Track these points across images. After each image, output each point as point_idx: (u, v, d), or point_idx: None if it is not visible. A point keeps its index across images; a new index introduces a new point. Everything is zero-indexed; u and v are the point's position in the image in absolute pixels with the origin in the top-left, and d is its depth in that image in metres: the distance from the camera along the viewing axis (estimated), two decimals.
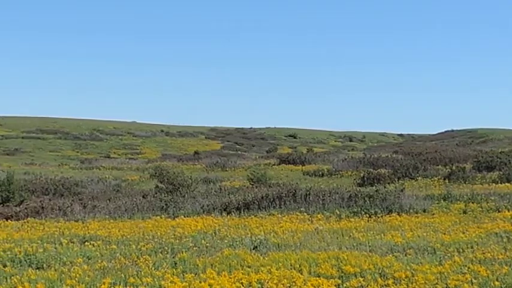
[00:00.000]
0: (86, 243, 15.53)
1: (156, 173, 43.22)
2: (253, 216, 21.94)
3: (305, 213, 21.94)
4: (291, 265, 11.76)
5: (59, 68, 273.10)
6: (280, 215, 21.92)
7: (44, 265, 12.66)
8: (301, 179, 41.32)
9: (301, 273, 10.94)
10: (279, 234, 16.67)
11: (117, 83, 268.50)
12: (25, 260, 13.12)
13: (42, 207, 26.05)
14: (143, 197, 30.04)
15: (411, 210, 22.08)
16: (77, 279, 10.67)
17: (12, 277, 10.91)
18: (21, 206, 27.47)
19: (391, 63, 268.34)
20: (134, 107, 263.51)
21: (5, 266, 12.34)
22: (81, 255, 13.63)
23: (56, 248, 14.65)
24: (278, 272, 10.85)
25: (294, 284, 10.12)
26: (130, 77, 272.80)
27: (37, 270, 11.94)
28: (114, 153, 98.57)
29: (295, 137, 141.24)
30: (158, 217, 22.37)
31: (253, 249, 14.28)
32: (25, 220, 22.43)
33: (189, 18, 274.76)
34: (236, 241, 15.53)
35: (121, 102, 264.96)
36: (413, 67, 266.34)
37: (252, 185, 35.65)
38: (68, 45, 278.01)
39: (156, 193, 31.25)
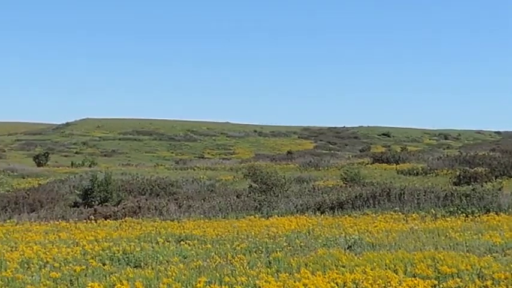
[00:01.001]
0: (182, 242, 15.73)
1: (249, 173, 43.48)
2: (347, 216, 21.81)
3: (399, 213, 21.66)
4: (385, 265, 11.62)
5: (154, 71, 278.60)
6: (374, 215, 21.71)
7: (142, 264, 12.88)
8: (395, 178, 40.85)
9: (397, 274, 10.80)
10: (373, 234, 16.49)
11: (210, 84, 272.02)
12: (123, 259, 13.38)
13: (139, 207, 26.56)
14: (237, 196, 30.26)
15: (510, 210, 21.49)
16: (173, 277, 10.81)
17: (111, 275, 11.14)
18: (119, 206, 28.09)
19: (488, 62, 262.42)
20: (227, 108, 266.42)
21: (104, 264, 12.62)
22: (177, 254, 13.81)
23: (152, 247, 14.90)
24: (373, 272, 10.74)
25: (389, 284, 10.00)
26: (224, 78, 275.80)
27: (135, 268, 12.15)
28: (208, 153, 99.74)
29: (388, 136, 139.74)
30: (252, 216, 22.50)
31: (348, 248, 14.18)
32: (123, 219, 22.87)
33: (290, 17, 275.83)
34: (330, 240, 15.46)
35: (214, 103, 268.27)
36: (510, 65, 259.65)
37: (346, 184, 35.46)
38: (164, 49, 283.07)
39: (250, 193, 31.42)
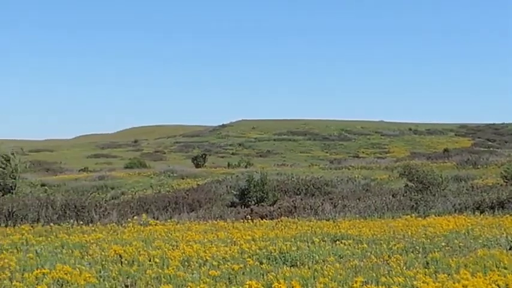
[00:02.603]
0: (337, 242, 15.71)
1: (405, 172, 42.85)
2: (508, 215, 21.09)
3: None
4: None
5: (306, 70, 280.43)
6: None
7: (298, 263, 12.96)
8: None
9: None
10: None
11: (364, 83, 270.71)
12: (280, 258, 13.51)
13: (295, 207, 26.79)
14: (393, 196, 29.95)
15: None
16: (329, 277, 10.81)
17: (268, 274, 11.28)
18: (274, 206, 28.45)
19: None
20: (381, 106, 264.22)
21: (261, 263, 12.79)
22: (332, 253, 13.80)
23: (308, 247, 14.96)
24: None
25: None
26: (375, 77, 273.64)
27: (291, 267, 12.25)
28: (363, 152, 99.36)
29: None
30: (408, 216, 22.18)
31: (510, 249, 13.71)
32: (279, 219, 23.11)
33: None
34: (490, 241, 14.99)
35: (368, 102, 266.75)
36: None
37: (506, 182, 34.31)
38: (315, 48, 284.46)
39: (406, 192, 31.00)
